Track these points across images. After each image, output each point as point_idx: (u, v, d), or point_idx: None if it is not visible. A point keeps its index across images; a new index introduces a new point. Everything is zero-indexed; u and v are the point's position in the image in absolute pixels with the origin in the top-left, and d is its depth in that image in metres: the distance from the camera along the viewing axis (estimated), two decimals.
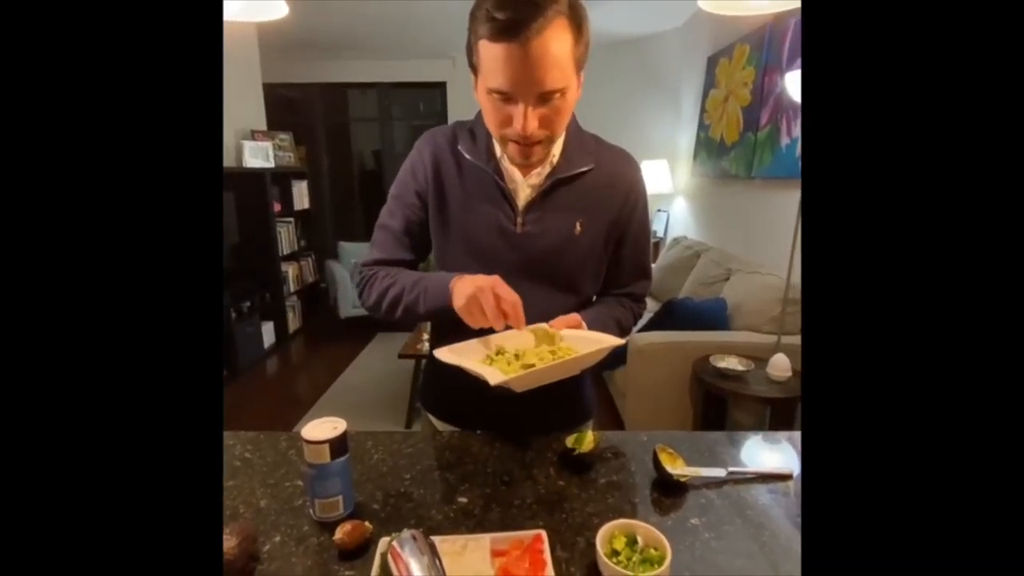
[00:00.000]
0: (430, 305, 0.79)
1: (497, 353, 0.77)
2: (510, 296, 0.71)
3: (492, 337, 0.78)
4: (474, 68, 0.74)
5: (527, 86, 0.68)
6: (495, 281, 0.72)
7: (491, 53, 0.67)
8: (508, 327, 0.73)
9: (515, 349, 0.77)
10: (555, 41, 0.66)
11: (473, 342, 0.78)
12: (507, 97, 0.70)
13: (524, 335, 0.77)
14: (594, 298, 0.96)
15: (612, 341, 0.74)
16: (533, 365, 0.71)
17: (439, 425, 0.95)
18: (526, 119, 0.70)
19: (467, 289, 0.72)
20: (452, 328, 0.77)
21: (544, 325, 0.79)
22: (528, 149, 0.75)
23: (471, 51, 0.72)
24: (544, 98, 0.70)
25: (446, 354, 0.75)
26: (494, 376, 0.66)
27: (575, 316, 0.81)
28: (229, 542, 0.58)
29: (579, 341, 0.77)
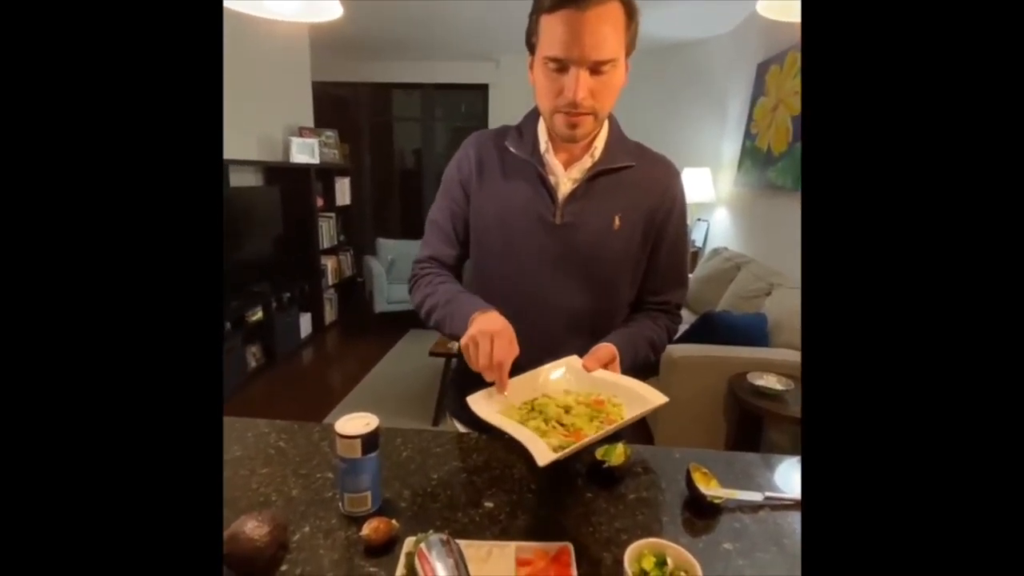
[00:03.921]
0: (453, 330, 0.81)
1: (532, 409, 0.72)
2: (500, 353, 0.70)
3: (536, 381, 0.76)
4: (532, 47, 0.78)
5: (581, 51, 0.71)
6: (497, 331, 0.71)
7: (551, 23, 0.72)
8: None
9: (552, 402, 0.73)
10: (609, 16, 0.71)
11: (514, 381, 0.73)
12: (562, 65, 0.73)
13: (562, 376, 0.78)
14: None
15: (656, 400, 0.72)
16: (572, 425, 0.69)
17: (464, 431, 0.95)
18: (578, 84, 0.72)
19: (472, 329, 0.73)
20: None
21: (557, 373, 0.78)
22: (576, 119, 0.76)
23: (531, 32, 0.77)
24: (595, 68, 0.73)
25: (482, 407, 0.71)
26: (543, 456, 0.59)
27: (610, 349, 0.79)
28: (261, 529, 0.59)
29: (619, 390, 0.75)
